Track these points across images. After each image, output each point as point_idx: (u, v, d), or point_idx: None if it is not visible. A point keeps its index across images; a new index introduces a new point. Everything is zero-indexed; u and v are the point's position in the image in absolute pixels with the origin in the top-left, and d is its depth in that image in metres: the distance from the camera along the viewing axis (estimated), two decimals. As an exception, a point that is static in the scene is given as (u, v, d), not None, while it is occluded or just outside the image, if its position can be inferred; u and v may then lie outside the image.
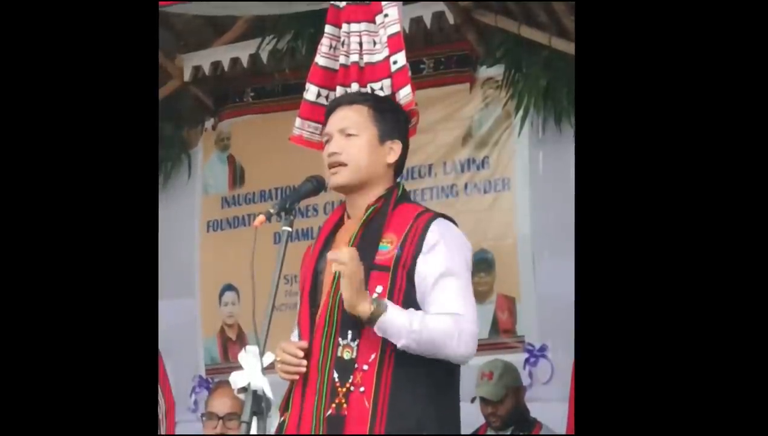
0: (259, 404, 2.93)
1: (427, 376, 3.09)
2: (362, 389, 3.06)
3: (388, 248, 3.15)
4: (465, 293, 3.16)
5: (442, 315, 3.09)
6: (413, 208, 3.27)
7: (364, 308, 3.04)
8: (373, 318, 3.03)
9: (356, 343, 3.10)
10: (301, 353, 3.11)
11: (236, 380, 2.98)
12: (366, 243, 3.16)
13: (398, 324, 3.04)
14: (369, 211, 3.21)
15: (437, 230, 3.16)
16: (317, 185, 3.26)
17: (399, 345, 3.05)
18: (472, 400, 5.30)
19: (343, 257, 3.04)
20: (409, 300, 3.12)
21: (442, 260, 3.13)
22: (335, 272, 3.14)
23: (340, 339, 3.11)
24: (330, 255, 3.10)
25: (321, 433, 3.06)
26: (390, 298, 3.09)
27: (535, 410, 5.49)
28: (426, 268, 3.12)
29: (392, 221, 3.19)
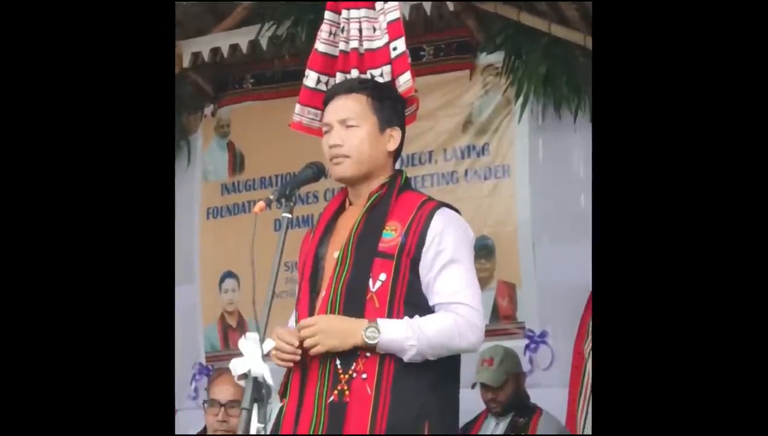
0: (259, 390, 2.93)
1: (431, 363, 3.08)
2: (365, 375, 3.05)
3: (392, 235, 3.14)
4: (469, 281, 3.15)
5: (438, 314, 3.09)
6: (417, 196, 3.26)
7: (356, 340, 3.04)
8: (369, 346, 3.04)
9: None
10: (297, 342, 3.08)
11: (236, 366, 2.98)
12: (369, 229, 3.15)
13: (397, 343, 3.04)
14: (373, 199, 3.20)
15: (441, 220, 3.16)
16: (317, 172, 3.25)
17: (406, 360, 3.05)
18: (473, 386, 5.31)
19: (314, 331, 3.05)
20: (413, 289, 3.11)
21: (446, 249, 3.12)
22: (337, 258, 3.14)
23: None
24: (303, 333, 3.08)
25: (322, 419, 3.05)
26: (394, 286, 3.09)
27: (536, 395, 5.50)
28: (430, 257, 3.11)
29: (396, 209, 3.18)
